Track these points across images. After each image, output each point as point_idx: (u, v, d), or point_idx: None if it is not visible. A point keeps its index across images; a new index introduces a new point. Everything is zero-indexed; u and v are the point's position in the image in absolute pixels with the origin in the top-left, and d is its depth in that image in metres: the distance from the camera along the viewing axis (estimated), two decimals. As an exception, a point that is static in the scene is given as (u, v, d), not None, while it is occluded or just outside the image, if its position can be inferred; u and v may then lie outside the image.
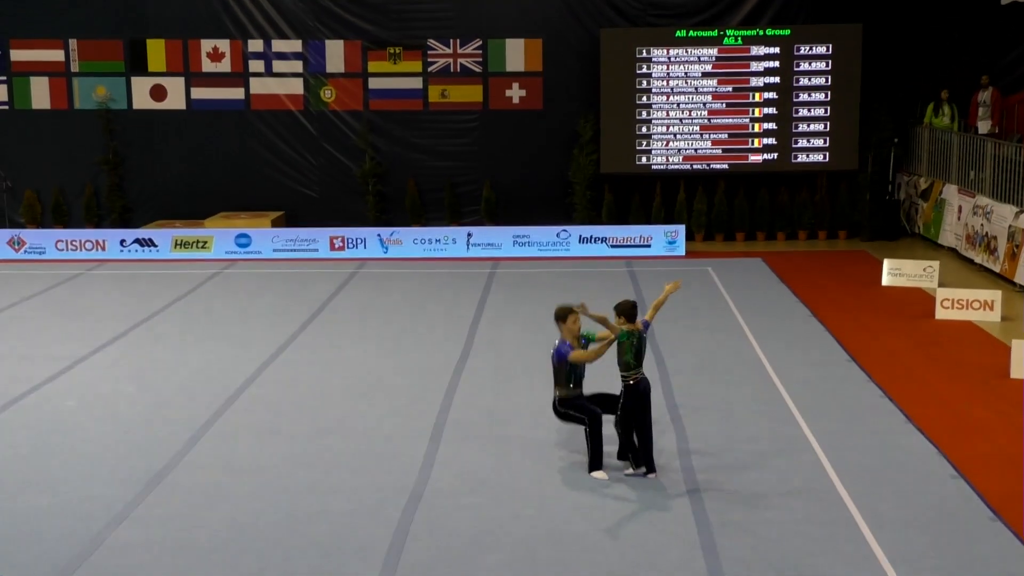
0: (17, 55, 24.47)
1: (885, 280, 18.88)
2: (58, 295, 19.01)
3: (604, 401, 10.60)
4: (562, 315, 10.60)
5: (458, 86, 24.29)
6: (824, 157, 23.64)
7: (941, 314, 16.38)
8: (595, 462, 10.32)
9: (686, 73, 23.43)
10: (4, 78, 24.55)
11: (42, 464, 10.82)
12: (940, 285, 18.06)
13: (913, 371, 13.79)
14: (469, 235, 22.17)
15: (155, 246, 22.25)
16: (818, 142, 23.59)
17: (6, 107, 24.66)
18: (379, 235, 22.17)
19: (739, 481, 10.17)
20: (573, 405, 10.42)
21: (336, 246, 22.12)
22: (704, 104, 23.54)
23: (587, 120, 23.65)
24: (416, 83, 24.34)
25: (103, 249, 22.25)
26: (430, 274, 20.40)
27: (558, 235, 22.02)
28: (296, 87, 24.48)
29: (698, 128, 23.61)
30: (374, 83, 24.38)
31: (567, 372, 10.47)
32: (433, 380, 13.53)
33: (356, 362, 14.39)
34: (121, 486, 10.20)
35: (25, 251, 22.32)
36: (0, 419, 12.23)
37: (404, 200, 24.39)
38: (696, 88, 23.49)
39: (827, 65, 23.34)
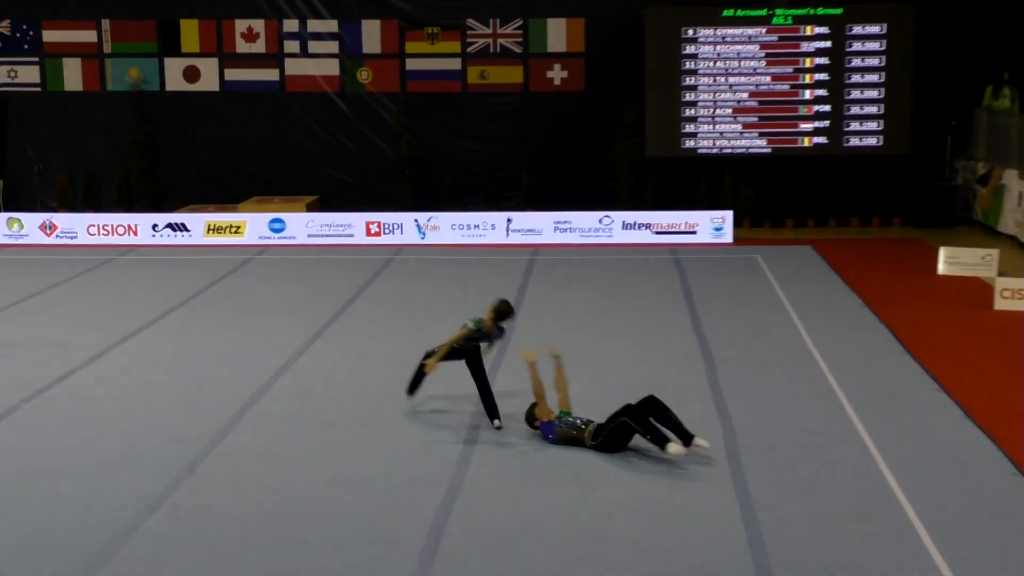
0: (49, 36, 24.68)
1: (941, 269, 18.65)
2: (89, 281, 19.16)
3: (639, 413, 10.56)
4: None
5: (498, 67, 24.23)
6: (877, 141, 23.38)
7: (1000, 304, 16.15)
8: (659, 439, 10.35)
9: (736, 54, 23.23)
10: (36, 59, 24.76)
11: (72, 453, 10.90)
12: (999, 274, 17.79)
13: (970, 363, 13.60)
14: (509, 221, 22.12)
15: (188, 231, 22.37)
16: (871, 125, 23.33)
17: (38, 89, 24.88)
18: (416, 220, 22.17)
19: (788, 476, 10.07)
20: (604, 435, 10.70)
21: (372, 231, 22.14)
22: (752, 86, 23.34)
23: (631, 102, 23.52)
24: (454, 64, 24.30)
25: (135, 234, 22.41)
26: (468, 260, 20.38)
27: (600, 221, 21.92)
28: (332, 68, 24.51)
29: (746, 111, 23.42)
30: (411, 64, 24.37)
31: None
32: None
33: (391, 351, 14.38)
34: (152, 476, 10.25)
35: (56, 236, 22.51)
36: (30, 407, 12.33)
37: (441, 185, 24.38)
38: (744, 69, 23.29)
39: (880, 45, 23.07)
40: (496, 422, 11.45)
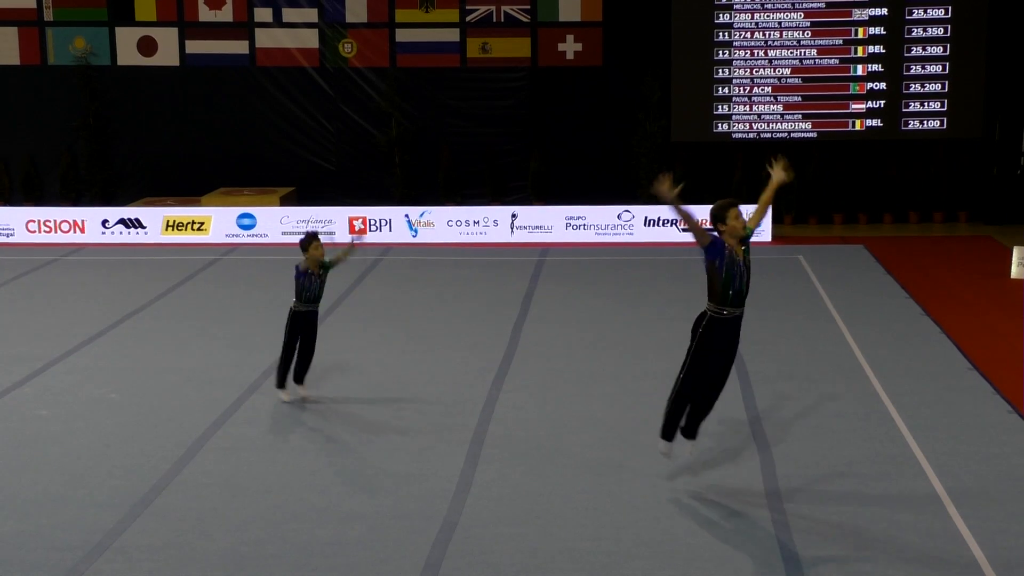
0: (-18, 2, 24.77)
1: (1015, 272, 18.64)
2: (29, 284, 19.20)
3: None
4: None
5: (502, 39, 24.28)
6: (941, 123, 23.39)
7: (1082, 313, 16.17)
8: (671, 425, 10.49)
9: (778, 23, 23.26)
10: (-33, 29, 24.84)
11: (7, 484, 10.92)
12: (1081, 278, 17.82)
13: (1048, 382, 13.62)
14: (513, 216, 22.16)
15: (143, 227, 22.43)
16: (934, 105, 23.35)
17: (-31, 63, 24.97)
18: (407, 216, 22.22)
19: (835, 514, 10.08)
20: None
21: (356, 228, 22.19)
22: (796, 60, 23.37)
23: (655, 79, 23.56)
24: (452, 35, 24.35)
25: (82, 231, 22.47)
26: (467, 262, 20.40)
27: (619, 216, 21.95)
28: (310, 40, 24.57)
29: (788, 89, 23.45)
30: (402, 35, 24.42)
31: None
32: (470, 388, 13.52)
33: (379, 366, 14.41)
34: (101, 511, 10.28)
35: (-9, 233, 22.59)
36: (-39, 430, 12.37)
37: (436, 174, 24.42)
38: (786, 41, 23.32)
39: (946, 12, 23.10)
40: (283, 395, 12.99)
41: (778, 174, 10.75)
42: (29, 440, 12.05)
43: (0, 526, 10.01)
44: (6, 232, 22.56)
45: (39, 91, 24.89)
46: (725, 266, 10.15)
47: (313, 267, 12.88)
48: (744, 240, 10.26)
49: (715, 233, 10.17)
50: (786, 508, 10.18)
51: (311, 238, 12.95)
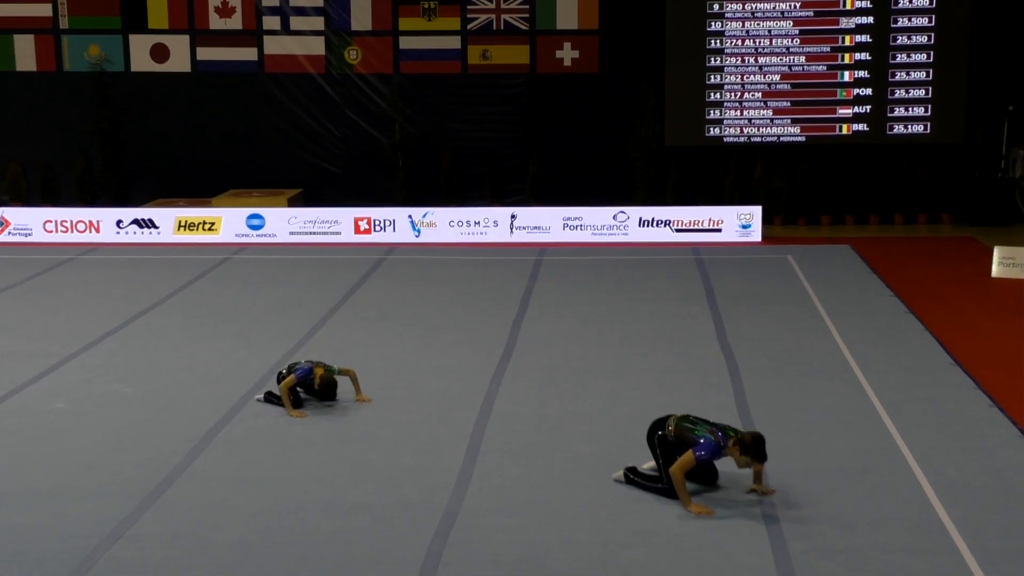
0: (-1, 10, 24.75)
1: (995, 271, 18.63)
2: (45, 283, 19.18)
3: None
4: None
5: (501, 46, 24.26)
6: (925, 128, 23.37)
7: (1061, 311, 16.15)
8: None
9: (767, 31, 23.24)
10: (-14, 36, 24.81)
11: (23, 476, 10.91)
12: (1060, 277, 17.80)
13: (1028, 377, 13.59)
14: (513, 217, 22.14)
15: (156, 228, 22.42)
16: (919, 110, 23.33)
17: (-12, 69, 24.93)
18: (410, 216, 22.20)
19: (822, 505, 10.06)
20: None
21: (361, 229, 22.17)
22: (785, 67, 23.34)
23: (649, 85, 23.53)
24: (454, 42, 24.33)
25: (97, 231, 22.45)
26: (468, 261, 20.39)
27: (615, 217, 21.93)
28: (317, 47, 24.55)
29: (777, 95, 23.42)
30: (405, 42, 24.40)
31: None
32: (471, 383, 13.50)
33: (383, 362, 14.39)
34: (114, 501, 10.26)
35: (8, 233, 22.56)
36: (-21, 423, 12.36)
37: (439, 177, 24.40)
38: (776, 48, 23.30)
39: (930, 20, 23.08)
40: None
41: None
42: (44, 433, 12.04)
43: (16, 516, 10.00)
44: (24, 232, 22.54)
45: (55, 97, 24.85)
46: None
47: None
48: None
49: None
50: (774, 497, 10.16)
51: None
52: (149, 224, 22.44)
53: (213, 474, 10.90)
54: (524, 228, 22.08)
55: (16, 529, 9.77)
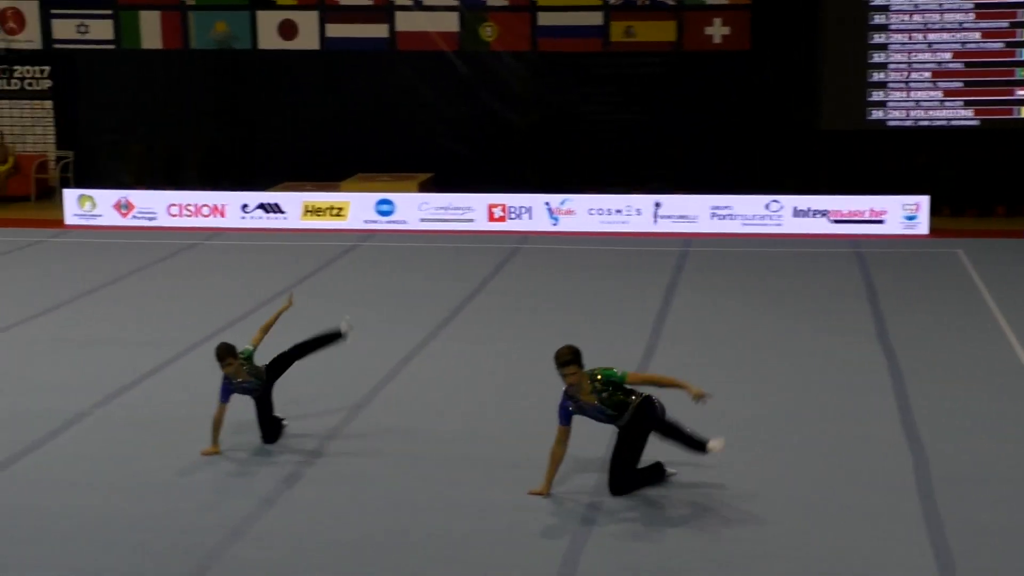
0: (125, -14, 25.38)
1: None
2: (169, 268, 19.67)
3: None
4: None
5: (646, 22, 24.19)
6: (1112, 111, 22.74)
7: None
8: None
9: (938, 4, 22.78)
10: (110, 12, 25.48)
11: (145, 467, 11.19)
12: None
13: None
14: (657, 205, 22.06)
15: (282, 212, 22.81)
16: (1105, 92, 22.69)
17: (112, 46, 25.60)
18: (547, 203, 22.25)
19: (993, 518, 9.85)
20: None
21: (495, 216, 22.29)
22: (958, 43, 22.86)
23: (806, 64, 23.24)
24: (595, 18, 24.32)
25: (222, 215, 22.92)
26: (608, 252, 20.38)
27: (767, 206, 21.72)
28: (450, 23, 24.73)
29: (948, 74, 22.96)
30: (544, 18, 24.45)
31: None
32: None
33: (514, 359, 14.44)
34: (235, 497, 10.52)
35: (133, 216, 23.14)
36: (97, 414, 12.71)
37: (577, 161, 24.40)
38: (947, 23, 22.83)
39: (1119, -7, 22.40)
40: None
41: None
42: (167, 423, 12.34)
43: (138, 507, 10.28)
44: (148, 215, 23.09)
45: (180, 76, 25.37)
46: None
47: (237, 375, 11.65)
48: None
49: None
50: (939, 508, 9.97)
51: (223, 354, 11.62)
52: (275, 209, 22.83)
53: (338, 472, 11.07)
54: (669, 217, 21.99)
55: (129, 518, 10.02)
